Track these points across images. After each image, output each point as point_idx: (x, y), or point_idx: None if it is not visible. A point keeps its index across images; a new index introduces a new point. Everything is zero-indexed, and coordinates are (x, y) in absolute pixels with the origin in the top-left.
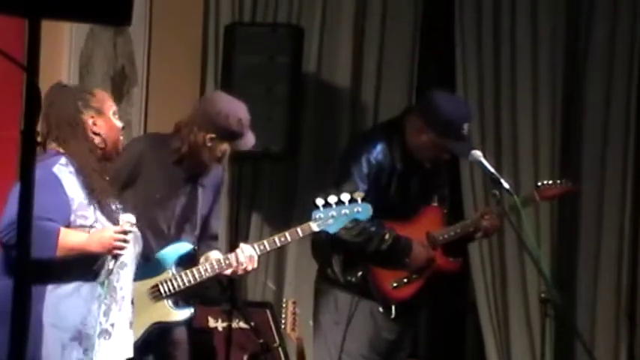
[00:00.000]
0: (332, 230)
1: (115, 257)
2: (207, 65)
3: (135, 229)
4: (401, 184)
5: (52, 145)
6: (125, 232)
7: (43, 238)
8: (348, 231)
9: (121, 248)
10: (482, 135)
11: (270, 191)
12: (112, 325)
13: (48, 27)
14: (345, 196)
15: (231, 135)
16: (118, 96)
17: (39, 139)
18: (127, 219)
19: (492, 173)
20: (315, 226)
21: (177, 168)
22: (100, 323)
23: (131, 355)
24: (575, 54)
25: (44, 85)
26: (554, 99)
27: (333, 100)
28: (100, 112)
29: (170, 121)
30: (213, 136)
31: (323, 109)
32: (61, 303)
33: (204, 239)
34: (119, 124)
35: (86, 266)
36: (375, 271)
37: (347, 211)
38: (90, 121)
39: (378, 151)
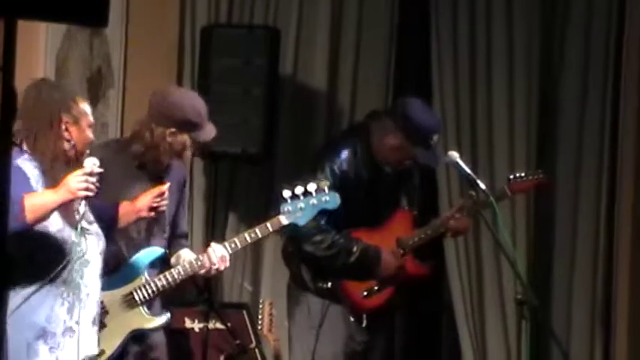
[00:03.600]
0: (301, 222)
1: (86, 199)
2: (183, 67)
3: (99, 170)
4: (368, 191)
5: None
6: (90, 174)
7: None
8: (317, 245)
9: (87, 189)
10: (458, 138)
11: (246, 193)
12: (77, 322)
13: (24, 27)
14: (312, 186)
15: (189, 125)
16: (94, 98)
17: (16, 139)
18: (92, 162)
19: (469, 174)
20: (284, 220)
21: (140, 172)
22: (64, 321)
23: (95, 352)
24: (551, 58)
25: (20, 86)
26: (529, 103)
27: (309, 102)
28: (76, 120)
29: None
30: (172, 130)
31: (299, 110)
32: (25, 302)
33: (175, 238)
34: (91, 136)
35: (50, 268)
36: (344, 281)
37: (315, 202)
38: (64, 126)
39: (343, 160)
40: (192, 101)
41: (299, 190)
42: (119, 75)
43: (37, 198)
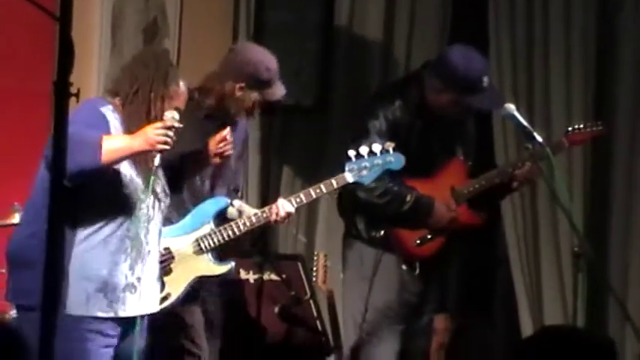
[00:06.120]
0: (366, 181)
1: (161, 152)
2: (239, 18)
3: (179, 125)
4: (421, 140)
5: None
6: (168, 127)
7: (84, 146)
8: (371, 192)
9: (166, 143)
10: (515, 87)
11: (300, 145)
12: (138, 279)
13: None
14: (377, 147)
15: (260, 83)
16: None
17: (73, 89)
18: (171, 115)
19: (525, 127)
20: (349, 177)
21: (207, 122)
22: (126, 276)
23: (156, 309)
24: (608, 5)
25: (77, 37)
26: (586, 51)
27: (364, 53)
28: (169, 98)
29: (202, 74)
30: (242, 85)
31: (354, 62)
32: (88, 253)
33: (230, 191)
34: (169, 115)
35: (115, 217)
36: (397, 229)
37: (380, 162)
38: (156, 96)
39: (396, 108)
40: (264, 58)
41: (364, 149)
42: (175, 25)
43: (115, 141)
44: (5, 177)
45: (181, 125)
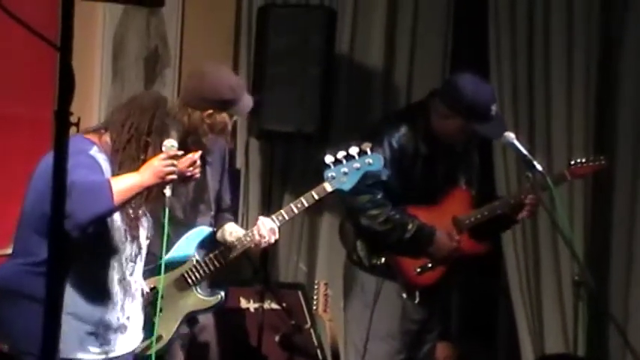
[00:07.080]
0: (346, 187)
1: (170, 183)
2: (240, 46)
3: (179, 152)
4: (426, 168)
5: (93, 134)
6: (171, 157)
7: (95, 193)
8: (373, 219)
9: (173, 173)
10: (515, 115)
11: (302, 172)
12: (128, 318)
13: (82, 7)
14: (354, 149)
15: (225, 104)
16: (151, 77)
17: (73, 118)
18: (170, 144)
19: (525, 155)
20: (328, 187)
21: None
22: (118, 318)
23: (141, 338)
24: (610, 39)
25: (78, 66)
26: (588, 79)
27: (365, 80)
28: (160, 147)
29: None
30: (210, 112)
31: (356, 89)
32: (79, 295)
33: (219, 212)
34: (168, 144)
35: (102, 263)
36: (398, 257)
37: (358, 165)
38: (150, 146)
39: (401, 135)
40: (224, 79)
41: (341, 154)
42: (175, 54)
43: (124, 181)
44: (7, 204)
45: (182, 152)
